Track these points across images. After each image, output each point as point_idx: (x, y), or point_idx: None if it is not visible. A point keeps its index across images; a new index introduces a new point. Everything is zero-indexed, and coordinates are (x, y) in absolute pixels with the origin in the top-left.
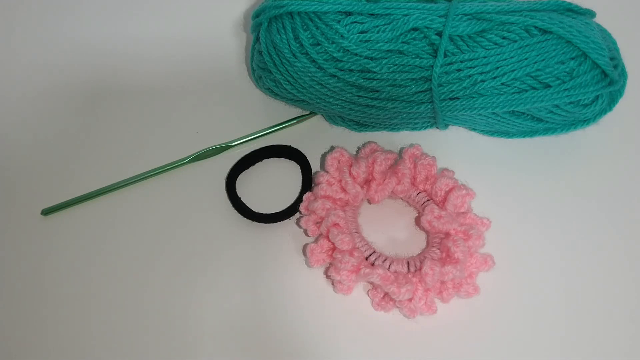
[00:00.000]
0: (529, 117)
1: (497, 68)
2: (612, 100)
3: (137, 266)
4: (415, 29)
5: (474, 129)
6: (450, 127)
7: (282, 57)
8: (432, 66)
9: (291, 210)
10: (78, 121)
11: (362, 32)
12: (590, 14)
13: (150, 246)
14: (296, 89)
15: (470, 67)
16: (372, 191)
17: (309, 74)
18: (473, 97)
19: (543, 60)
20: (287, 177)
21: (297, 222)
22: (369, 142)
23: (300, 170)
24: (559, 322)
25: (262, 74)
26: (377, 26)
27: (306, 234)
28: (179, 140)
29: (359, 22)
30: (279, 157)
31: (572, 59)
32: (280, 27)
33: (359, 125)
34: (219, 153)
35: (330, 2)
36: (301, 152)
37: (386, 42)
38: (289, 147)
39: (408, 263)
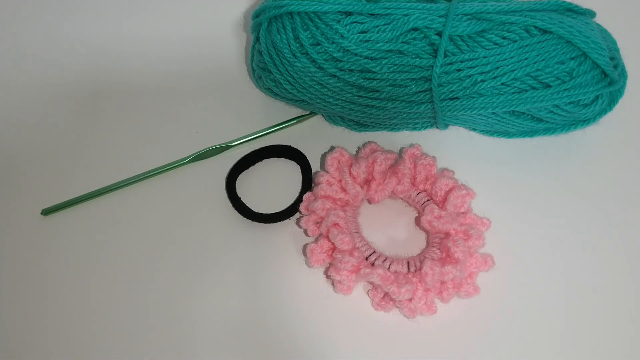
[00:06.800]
0: (529, 117)
1: (497, 68)
2: (612, 100)
3: (137, 266)
4: (415, 29)
5: (474, 129)
6: (450, 127)
7: (282, 57)
8: (432, 66)
9: (291, 210)
10: (78, 121)
11: (362, 32)
12: (590, 14)
13: (150, 246)
14: (296, 89)
15: (470, 67)
16: (372, 191)
17: (309, 74)
18: (473, 97)
19: (543, 60)
20: (287, 177)
21: (297, 222)
22: (369, 142)
23: (300, 170)
24: (559, 322)
25: (262, 74)
26: (377, 26)
27: (306, 234)
28: (179, 140)
29: (359, 22)
30: (279, 157)
31: (572, 59)
32: (280, 27)
33: (359, 125)
34: (219, 153)
35: (330, 2)
36: (301, 152)
37: (386, 42)
38: (289, 147)
39: (408, 263)
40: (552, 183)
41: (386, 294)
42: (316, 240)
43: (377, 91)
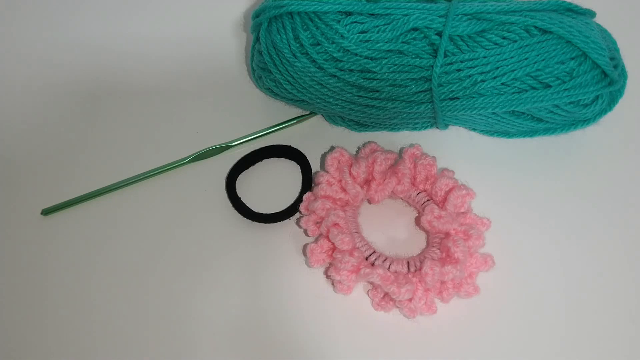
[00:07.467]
0: (529, 117)
1: (497, 68)
2: (612, 100)
3: (137, 266)
4: (415, 29)
5: (474, 129)
6: (450, 127)
7: (282, 57)
8: (432, 66)
9: (291, 210)
10: (78, 121)
11: (362, 32)
12: (590, 14)
13: (150, 246)
14: (296, 89)
15: (470, 67)
16: (372, 191)
17: (309, 74)
18: (473, 97)
19: (543, 60)
20: (287, 177)
21: (297, 222)
22: (369, 142)
23: (300, 170)
24: (559, 322)
25: (262, 74)
26: (377, 26)
27: (306, 234)
28: (179, 140)
29: (359, 22)
30: (279, 157)
31: (572, 59)
32: (280, 27)
33: (359, 125)
34: (219, 153)
35: (330, 2)
36: (301, 152)
37: (386, 42)
38: (289, 147)
39: (408, 263)
40: (552, 183)
41: (386, 294)
42: (316, 240)
43: (377, 91)
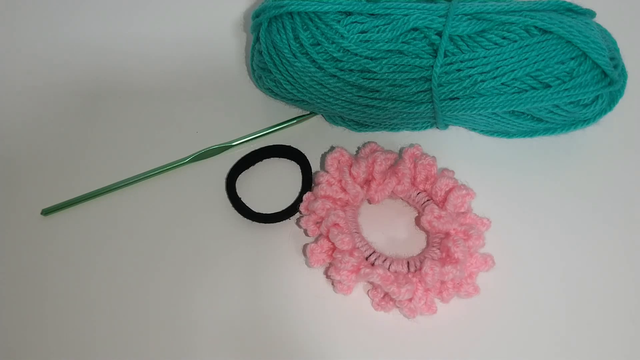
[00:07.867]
0: (529, 117)
1: (497, 68)
2: (612, 100)
3: (136, 266)
4: (415, 29)
5: (474, 129)
6: (450, 127)
7: (282, 57)
8: (432, 66)
9: (291, 210)
10: (78, 121)
11: (362, 32)
12: (590, 14)
13: (150, 246)
14: (296, 89)
15: (470, 67)
16: (372, 191)
17: (309, 74)
18: (473, 97)
19: (543, 60)
20: (287, 177)
21: (297, 222)
22: (369, 142)
23: (300, 170)
24: (559, 322)
25: (262, 74)
26: (377, 26)
27: (306, 234)
28: (179, 140)
29: (359, 22)
30: (279, 157)
31: (572, 59)
32: (280, 27)
33: (359, 125)
34: (219, 153)
35: (330, 2)
36: (301, 152)
37: (386, 42)
38: (289, 147)
39: (408, 263)
40: (552, 183)
41: (386, 294)
42: (316, 240)
43: (377, 91)
